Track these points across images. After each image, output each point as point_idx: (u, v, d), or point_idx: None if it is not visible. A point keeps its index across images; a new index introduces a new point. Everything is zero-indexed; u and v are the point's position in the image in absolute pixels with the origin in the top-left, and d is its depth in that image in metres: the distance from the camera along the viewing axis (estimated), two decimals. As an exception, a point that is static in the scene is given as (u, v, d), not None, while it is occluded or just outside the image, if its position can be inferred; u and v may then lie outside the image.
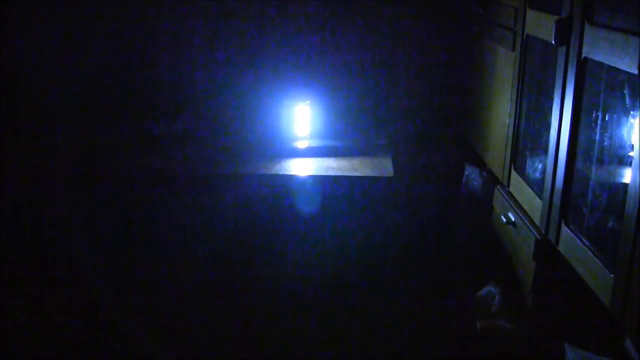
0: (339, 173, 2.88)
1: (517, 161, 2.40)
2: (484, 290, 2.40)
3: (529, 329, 2.18)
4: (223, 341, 2.62)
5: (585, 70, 1.76)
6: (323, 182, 2.87)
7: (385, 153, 3.12)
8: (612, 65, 1.59)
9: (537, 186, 2.16)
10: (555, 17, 1.87)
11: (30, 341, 2.58)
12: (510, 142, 2.45)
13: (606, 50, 1.61)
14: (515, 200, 2.35)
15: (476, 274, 2.66)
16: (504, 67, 2.56)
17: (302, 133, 3.20)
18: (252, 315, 2.78)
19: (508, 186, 2.46)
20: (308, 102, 3.21)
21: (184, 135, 3.21)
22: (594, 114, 1.78)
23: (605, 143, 1.76)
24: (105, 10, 3.27)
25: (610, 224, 1.66)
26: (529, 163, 2.31)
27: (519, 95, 2.37)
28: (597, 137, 1.78)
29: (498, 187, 2.57)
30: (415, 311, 2.76)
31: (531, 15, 2.23)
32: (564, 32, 1.82)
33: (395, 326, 2.68)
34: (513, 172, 2.41)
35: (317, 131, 3.24)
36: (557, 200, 1.91)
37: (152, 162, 2.99)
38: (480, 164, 2.92)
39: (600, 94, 1.75)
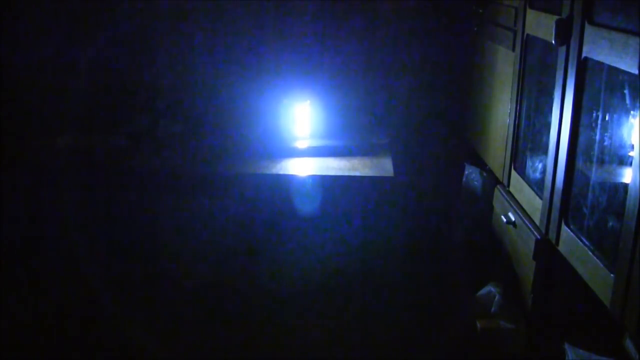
0: (339, 173, 2.88)
1: (517, 161, 2.40)
2: (484, 290, 2.40)
3: (529, 329, 2.18)
4: (223, 341, 2.62)
5: (586, 70, 1.76)
6: (323, 182, 2.86)
7: (385, 153, 3.12)
8: (612, 65, 1.59)
9: (537, 186, 2.16)
10: (556, 17, 1.87)
11: (28, 340, 2.58)
12: (510, 142, 2.45)
13: (606, 50, 1.61)
14: (515, 200, 2.35)
15: (476, 274, 2.66)
16: (504, 67, 2.56)
17: (302, 133, 3.20)
18: (252, 315, 2.77)
19: (508, 186, 2.46)
20: (308, 102, 3.21)
21: (184, 135, 3.21)
22: (594, 114, 1.78)
23: (605, 143, 1.76)
24: (105, 9, 3.27)
25: (610, 224, 1.66)
26: (529, 163, 2.31)
27: (519, 95, 2.37)
28: (597, 137, 1.78)
29: (498, 187, 2.57)
30: (415, 311, 2.76)
31: (531, 15, 2.23)
32: (564, 32, 1.82)
33: (395, 326, 2.68)
34: (513, 172, 2.41)
35: (317, 131, 3.23)
36: (557, 200, 1.91)
37: (152, 162, 2.99)
38: (480, 164, 2.92)
39: (600, 94, 1.75)
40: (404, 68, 3.40)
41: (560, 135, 1.89)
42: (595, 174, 1.79)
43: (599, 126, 1.77)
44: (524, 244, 2.18)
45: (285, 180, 2.87)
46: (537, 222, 2.09)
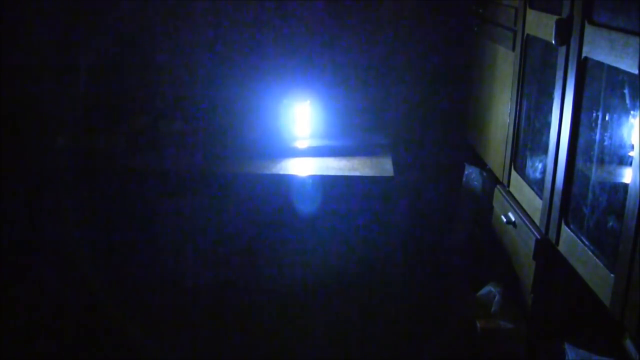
0: (339, 173, 2.88)
1: (517, 161, 2.40)
2: (484, 290, 2.40)
3: (529, 329, 2.18)
4: (223, 341, 2.62)
5: (585, 70, 1.76)
6: (323, 182, 2.87)
7: (385, 153, 3.12)
8: (612, 65, 1.59)
9: (537, 186, 2.16)
10: (556, 17, 1.87)
11: (28, 340, 2.58)
12: (510, 142, 2.45)
13: (606, 50, 1.61)
14: (515, 200, 2.35)
15: (476, 273, 2.66)
16: (504, 67, 2.56)
17: (302, 133, 3.20)
18: (252, 315, 2.78)
19: (508, 186, 2.46)
20: (308, 102, 3.21)
21: (184, 135, 3.21)
22: (594, 114, 1.78)
23: (605, 143, 1.76)
24: (105, 9, 3.27)
25: (610, 224, 1.66)
26: (529, 163, 2.31)
27: (519, 95, 2.37)
28: (597, 137, 1.78)
29: (498, 187, 2.57)
30: (415, 311, 2.76)
31: (531, 15, 2.23)
32: (564, 32, 1.82)
33: (395, 326, 2.68)
34: (513, 172, 2.41)
35: (317, 131, 3.23)
36: (557, 200, 1.91)
37: (152, 162, 2.99)
38: (480, 164, 2.92)
39: (600, 94, 1.75)
40: (404, 68, 3.40)
41: (560, 135, 1.89)
42: (595, 174, 1.79)
43: (599, 126, 1.76)
44: (524, 244, 2.18)
45: (285, 180, 2.87)
46: (537, 222, 2.09)
